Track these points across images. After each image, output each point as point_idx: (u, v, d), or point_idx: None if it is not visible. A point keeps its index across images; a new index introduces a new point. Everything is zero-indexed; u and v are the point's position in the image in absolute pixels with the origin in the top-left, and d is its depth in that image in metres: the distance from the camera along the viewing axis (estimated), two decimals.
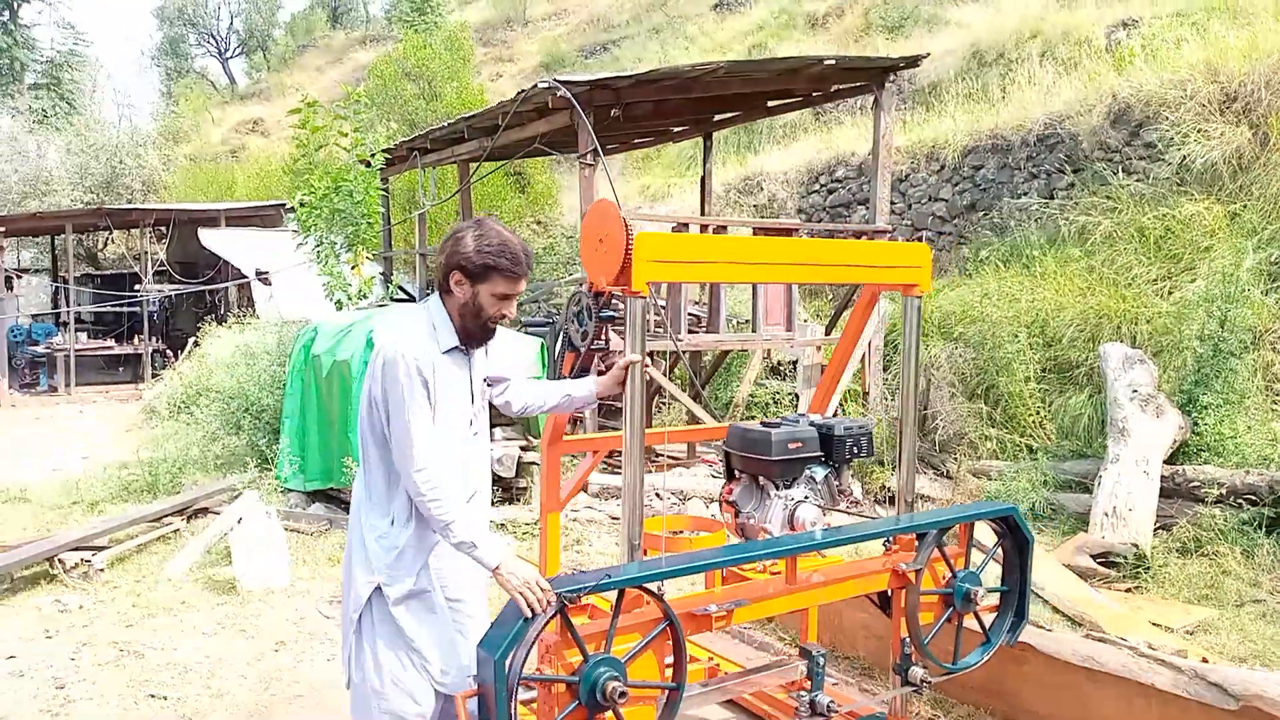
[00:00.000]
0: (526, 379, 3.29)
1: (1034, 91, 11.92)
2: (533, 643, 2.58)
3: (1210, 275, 7.73)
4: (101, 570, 6.06)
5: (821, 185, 14.08)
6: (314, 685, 4.46)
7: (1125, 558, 5.86)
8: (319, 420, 7.64)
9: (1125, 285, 8.58)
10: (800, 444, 3.50)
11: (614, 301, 3.11)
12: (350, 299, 9.14)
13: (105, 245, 24.47)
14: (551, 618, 2.62)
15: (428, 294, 5.67)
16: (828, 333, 10.22)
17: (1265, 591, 5.44)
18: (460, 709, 2.76)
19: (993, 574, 3.65)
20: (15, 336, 18.34)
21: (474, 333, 2.89)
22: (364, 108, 9.44)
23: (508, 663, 2.52)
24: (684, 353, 8.88)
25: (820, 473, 3.55)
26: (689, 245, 3.41)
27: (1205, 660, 4.04)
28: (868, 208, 10.78)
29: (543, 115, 8.43)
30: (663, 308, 8.66)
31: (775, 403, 9.56)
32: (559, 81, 7.35)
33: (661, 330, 8.37)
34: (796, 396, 9.78)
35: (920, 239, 12.10)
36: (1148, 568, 5.83)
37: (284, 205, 18.69)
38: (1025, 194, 10.83)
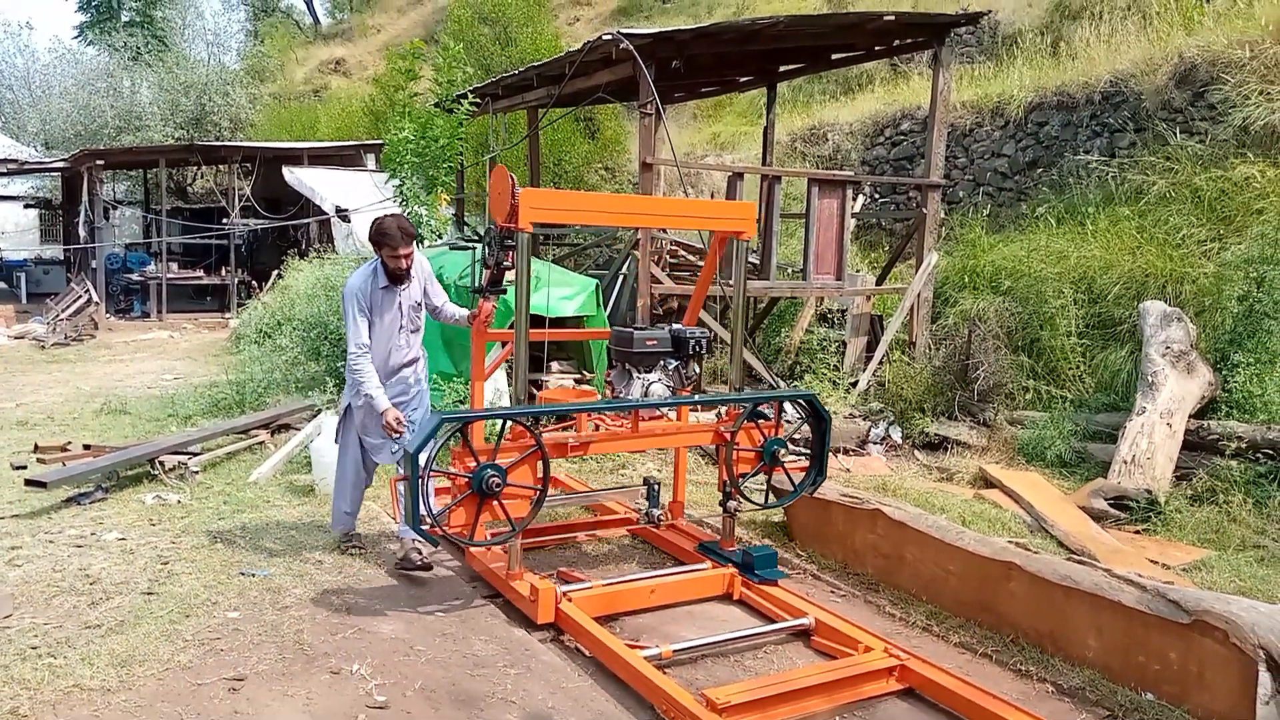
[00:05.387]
0: (450, 302, 5.28)
1: (1102, 48, 11.86)
2: (435, 446, 4.00)
3: (1255, 238, 7.84)
4: (196, 473, 6.76)
5: (886, 138, 14.17)
6: (384, 569, 5.05)
7: (1138, 502, 6.17)
8: None
9: (1174, 246, 8.70)
10: (656, 342, 4.82)
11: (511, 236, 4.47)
12: (425, 238, 9.67)
13: (194, 180, 25.47)
14: (451, 434, 4.09)
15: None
16: (879, 283, 10.49)
17: (1269, 539, 5.71)
18: (391, 489, 4.49)
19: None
20: (112, 265, 19.43)
21: (394, 275, 4.94)
22: (452, 58, 9.85)
23: (420, 456, 3.94)
24: (729, 298, 9.23)
25: (672, 363, 4.90)
26: (559, 198, 5.01)
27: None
28: None
29: (607, 65, 8.74)
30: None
31: (823, 349, 9.89)
32: (622, 34, 7.70)
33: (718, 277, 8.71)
34: (844, 343, 10.10)
35: (980, 195, 12.22)
36: (1160, 513, 6.13)
37: (363, 146, 19.36)
38: (1088, 152, 10.87)
